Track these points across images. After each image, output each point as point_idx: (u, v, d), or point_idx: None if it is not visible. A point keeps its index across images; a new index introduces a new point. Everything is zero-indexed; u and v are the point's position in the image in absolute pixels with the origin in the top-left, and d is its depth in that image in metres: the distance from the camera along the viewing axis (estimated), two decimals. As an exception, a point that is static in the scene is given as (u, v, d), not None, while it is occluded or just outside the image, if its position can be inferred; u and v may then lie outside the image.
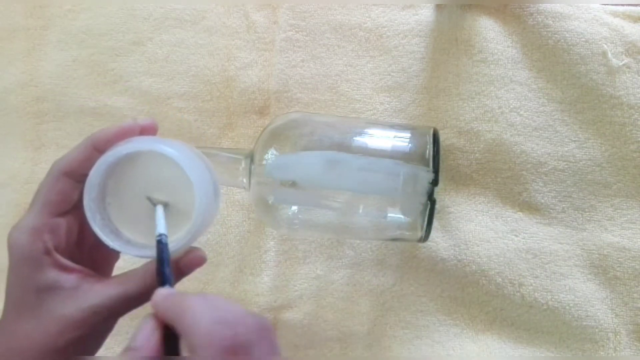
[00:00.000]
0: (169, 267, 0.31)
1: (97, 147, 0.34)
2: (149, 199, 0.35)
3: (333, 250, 0.49)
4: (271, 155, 0.41)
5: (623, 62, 0.47)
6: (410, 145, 0.42)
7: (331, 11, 0.52)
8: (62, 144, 0.53)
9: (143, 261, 0.34)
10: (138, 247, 0.34)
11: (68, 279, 0.33)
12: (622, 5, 0.49)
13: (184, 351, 0.25)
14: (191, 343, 0.24)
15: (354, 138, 0.42)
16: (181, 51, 0.52)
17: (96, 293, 0.32)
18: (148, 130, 0.36)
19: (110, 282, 0.33)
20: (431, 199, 0.39)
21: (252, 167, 0.42)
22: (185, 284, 0.50)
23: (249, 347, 0.24)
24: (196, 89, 0.52)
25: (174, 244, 0.33)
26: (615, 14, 0.49)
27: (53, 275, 0.32)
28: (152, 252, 0.33)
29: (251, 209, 0.50)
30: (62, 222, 0.34)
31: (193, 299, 0.26)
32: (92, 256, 0.36)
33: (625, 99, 0.47)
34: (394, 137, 0.43)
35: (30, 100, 0.53)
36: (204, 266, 0.49)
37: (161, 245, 0.32)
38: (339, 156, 0.40)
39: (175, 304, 0.27)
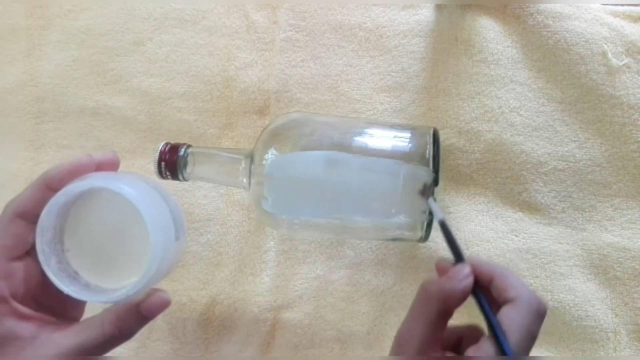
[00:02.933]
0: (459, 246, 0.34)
1: (51, 186, 0.32)
2: (421, 190, 0.36)
3: (333, 250, 0.49)
4: (271, 155, 0.41)
5: (623, 62, 0.47)
6: (410, 145, 0.42)
7: (331, 11, 0.52)
8: (62, 144, 0.53)
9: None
10: (95, 292, 0.32)
11: (26, 328, 0.31)
12: (622, 5, 0.49)
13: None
14: (510, 295, 0.31)
15: (354, 138, 0.42)
16: (181, 51, 0.52)
17: (53, 343, 0.31)
18: (106, 165, 0.34)
19: (68, 331, 0.32)
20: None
21: (252, 167, 0.42)
22: (185, 284, 0.50)
23: (544, 317, 0.32)
24: (196, 89, 0.52)
25: (129, 288, 0.31)
26: (615, 14, 0.49)
27: (10, 324, 0.31)
28: (109, 297, 0.31)
29: (251, 209, 0.50)
30: (19, 267, 0.32)
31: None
32: (60, 298, 0.33)
33: (625, 99, 0.47)
34: (394, 137, 0.43)
35: (30, 100, 0.53)
36: (204, 266, 0.50)
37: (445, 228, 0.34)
38: (339, 156, 0.40)
39: (497, 267, 0.33)
